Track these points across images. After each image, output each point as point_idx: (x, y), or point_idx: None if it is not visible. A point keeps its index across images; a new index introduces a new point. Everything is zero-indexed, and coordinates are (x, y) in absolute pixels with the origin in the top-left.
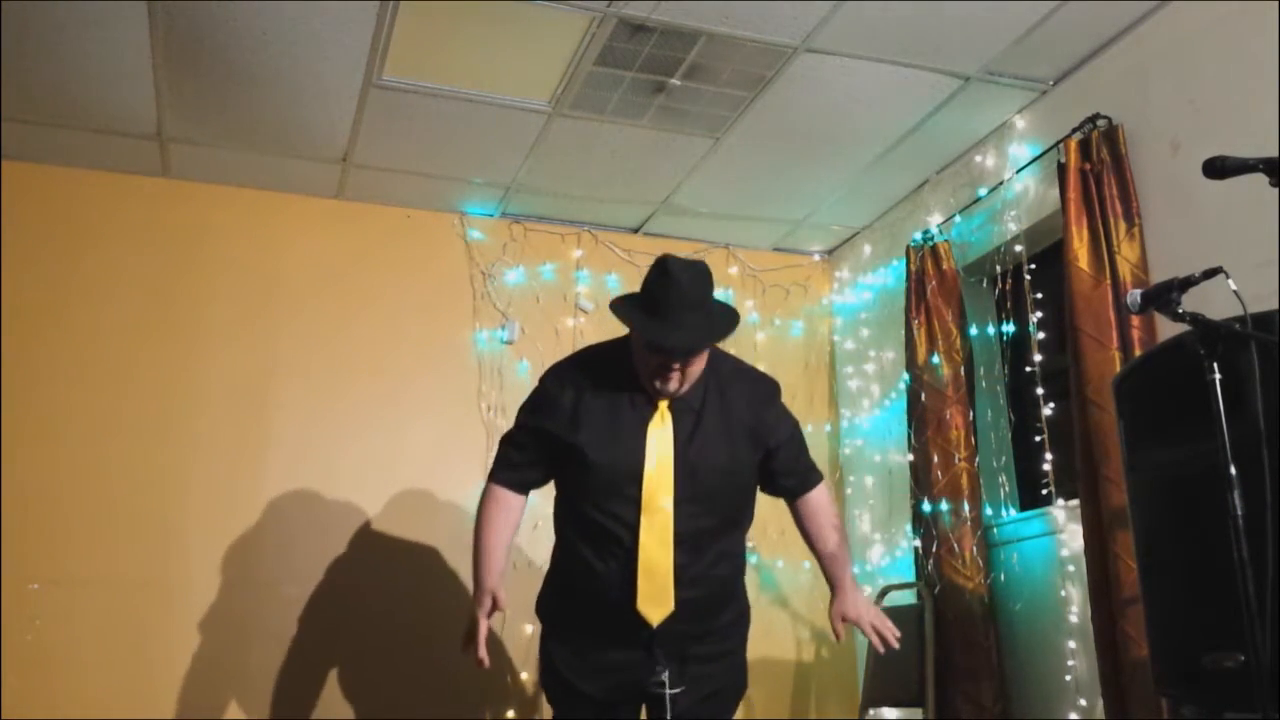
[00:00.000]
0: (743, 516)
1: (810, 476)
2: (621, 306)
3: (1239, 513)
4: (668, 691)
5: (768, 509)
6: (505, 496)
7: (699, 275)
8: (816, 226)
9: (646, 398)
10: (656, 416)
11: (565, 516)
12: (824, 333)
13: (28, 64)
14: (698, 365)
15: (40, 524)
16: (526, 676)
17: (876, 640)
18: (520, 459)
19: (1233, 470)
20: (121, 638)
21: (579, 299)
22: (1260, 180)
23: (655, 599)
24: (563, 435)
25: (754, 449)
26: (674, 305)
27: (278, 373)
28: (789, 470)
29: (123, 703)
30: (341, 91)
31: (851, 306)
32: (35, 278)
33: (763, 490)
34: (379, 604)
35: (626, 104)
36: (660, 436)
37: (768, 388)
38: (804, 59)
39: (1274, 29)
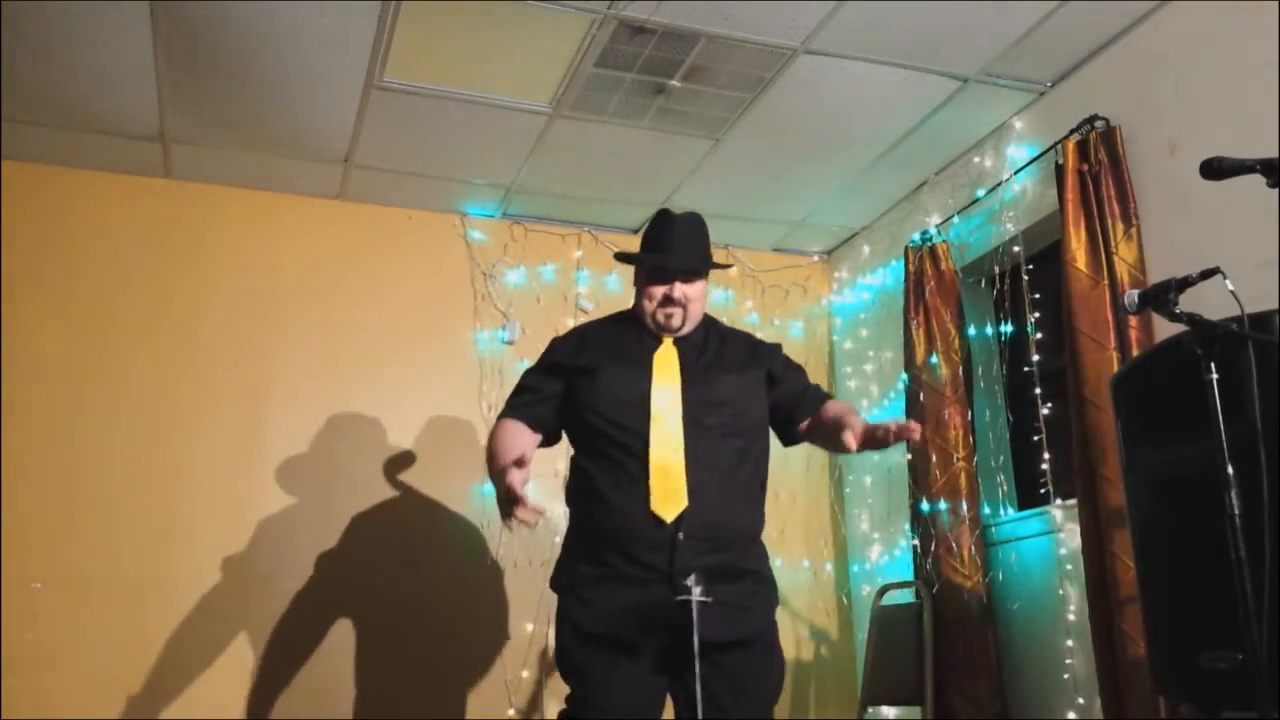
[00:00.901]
0: (752, 451)
1: (822, 394)
2: (626, 253)
3: (1236, 512)
4: (695, 597)
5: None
6: (513, 423)
7: (695, 218)
8: (816, 227)
9: (651, 335)
10: (661, 348)
11: (578, 455)
12: (823, 333)
13: (28, 64)
14: (697, 304)
15: (41, 523)
16: (527, 675)
17: (902, 433)
18: (526, 398)
19: (1230, 470)
20: (122, 637)
21: (579, 299)
22: (1258, 181)
23: (668, 495)
24: (570, 361)
25: (757, 377)
26: (674, 239)
27: (278, 373)
28: (798, 392)
29: (122, 702)
30: (343, 92)
31: (850, 307)
32: (36, 278)
33: (785, 432)
34: (379, 603)
35: (627, 105)
36: (664, 359)
37: (766, 343)
38: (803, 60)
39: (1272, 30)
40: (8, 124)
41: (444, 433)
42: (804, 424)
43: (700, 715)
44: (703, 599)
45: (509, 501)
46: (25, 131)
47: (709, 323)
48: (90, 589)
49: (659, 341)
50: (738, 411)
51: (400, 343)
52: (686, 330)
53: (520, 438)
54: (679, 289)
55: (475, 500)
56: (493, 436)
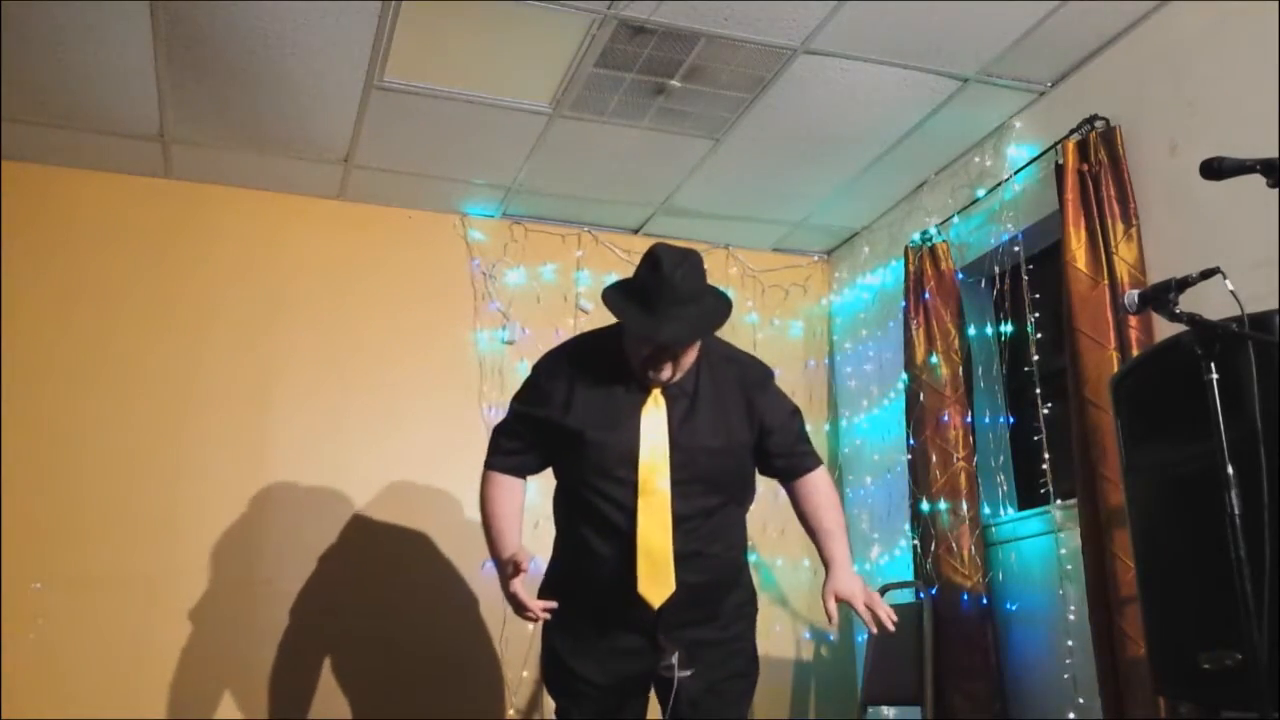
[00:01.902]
0: (741, 497)
1: (808, 460)
2: (614, 297)
3: (1236, 512)
4: (677, 675)
5: (767, 509)
6: (503, 479)
7: (691, 268)
8: (815, 227)
9: (639, 384)
10: (650, 401)
11: (563, 504)
12: (823, 333)
13: (28, 64)
14: (690, 355)
15: (41, 524)
16: (527, 675)
17: (870, 620)
18: (513, 446)
19: (1230, 470)
20: (122, 638)
21: (579, 299)
22: (1257, 181)
23: (656, 581)
24: (556, 420)
25: (749, 429)
26: (666, 299)
27: (279, 373)
28: (785, 452)
29: (123, 703)
30: (343, 93)
31: (850, 307)
32: (36, 278)
33: (762, 473)
34: (380, 604)
35: (627, 105)
36: (654, 419)
37: (760, 371)
38: (803, 60)
39: (1272, 30)
40: (8, 124)
41: (444, 432)
42: (784, 487)
43: None
44: (684, 674)
45: (518, 608)
46: (25, 131)
47: (701, 358)
48: (90, 589)
49: (646, 393)
50: (726, 471)
51: (400, 343)
52: (677, 378)
53: (510, 502)
54: (668, 354)
55: (476, 499)
56: (485, 498)
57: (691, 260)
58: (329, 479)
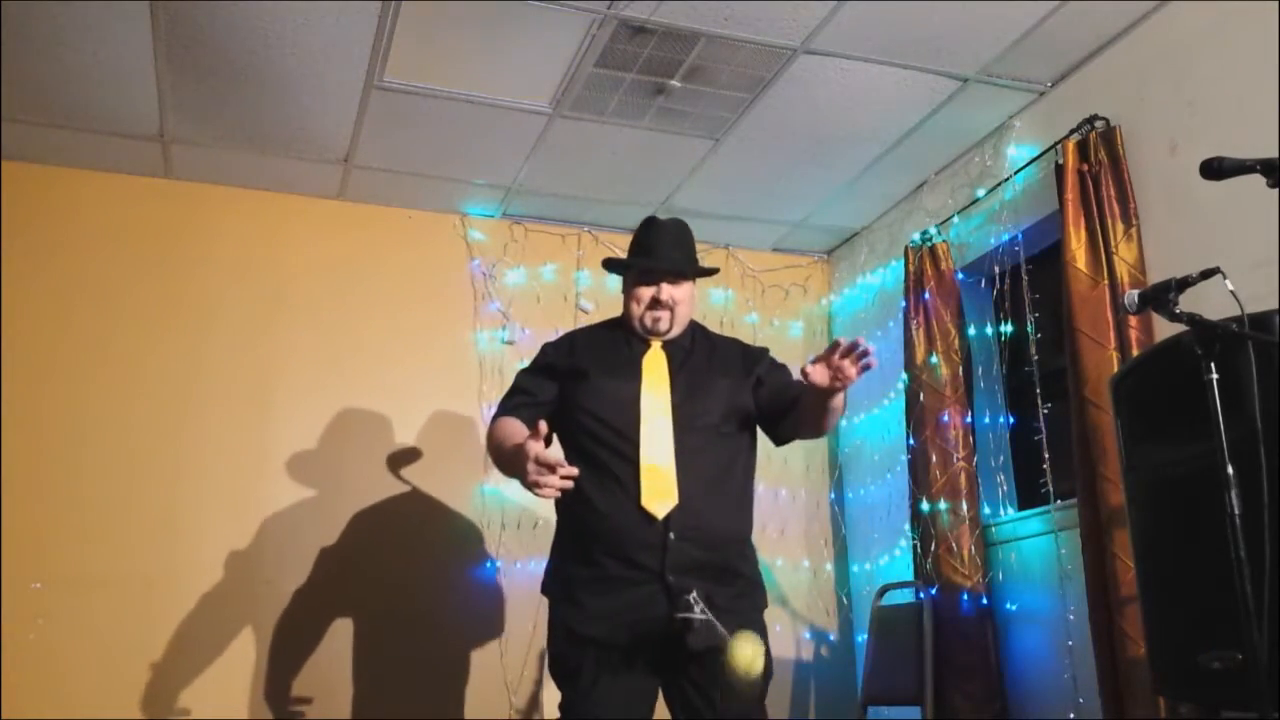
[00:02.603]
0: (741, 451)
1: (802, 385)
2: (614, 260)
3: (1236, 512)
4: (697, 615)
5: (768, 509)
6: (510, 418)
7: (680, 223)
8: (815, 227)
9: (641, 343)
10: (650, 351)
11: (570, 453)
12: (823, 333)
13: (28, 64)
14: (684, 307)
15: (41, 523)
16: (527, 675)
17: (848, 362)
18: (520, 399)
19: (1230, 470)
20: (123, 637)
21: (579, 299)
22: (1257, 181)
23: (658, 492)
24: (563, 364)
25: (745, 375)
26: (660, 243)
27: (279, 373)
28: (784, 386)
29: (123, 703)
30: (343, 93)
31: (850, 307)
32: (36, 279)
33: (774, 431)
34: (381, 604)
35: (627, 105)
36: (654, 363)
37: (756, 348)
38: (803, 60)
39: (1272, 30)
40: (8, 124)
41: (444, 432)
42: (791, 415)
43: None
44: (703, 616)
45: (539, 467)
46: (25, 131)
47: (697, 328)
48: (91, 589)
49: (647, 345)
50: (726, 414)
51: (400, 343)
52: (674, 334)
53: (519, 427)
54: (666, 291)
55: (476, 500)
56: (493, 432)
57: (681, 222)
58: (329, 479)
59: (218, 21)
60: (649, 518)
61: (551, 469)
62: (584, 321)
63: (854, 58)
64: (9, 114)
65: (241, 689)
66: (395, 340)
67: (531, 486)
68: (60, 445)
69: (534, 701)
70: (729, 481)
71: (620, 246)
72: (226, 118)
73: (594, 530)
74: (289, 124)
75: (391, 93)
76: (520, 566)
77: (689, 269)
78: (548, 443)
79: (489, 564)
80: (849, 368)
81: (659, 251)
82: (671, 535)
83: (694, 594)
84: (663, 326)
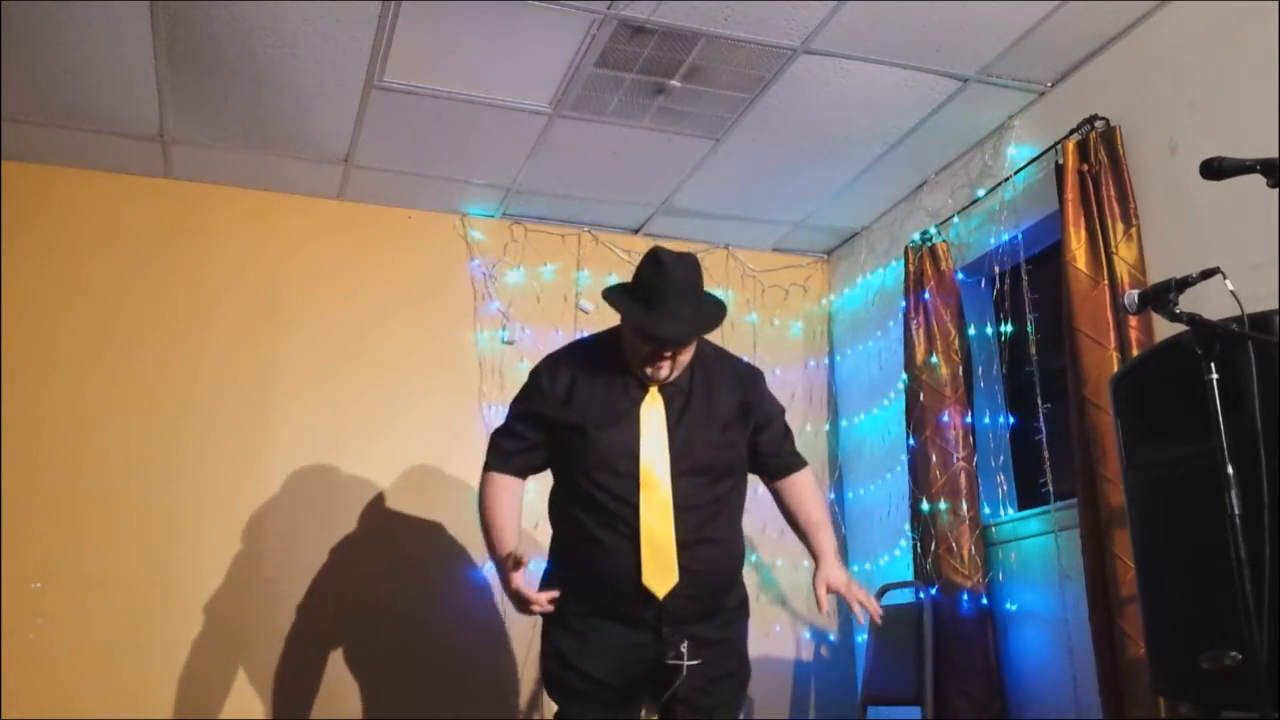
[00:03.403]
0: (737, 490)
1: (795, 460)
2: (615, 296)
3: (1236, 512)
4: (685, 662)
5: (768, 510)
6: (503, 479)
7: (690, 268)
8: (816, 227)
9: (637, 382)
10: (647, 398)
11: (562, 502)
12: (823, 333)
13: (28, 64)
14: (687, 354)
15: (41, 523)
16: (527, 675)
17: (859, 610)
18: (511, 446)
19: (1230, 470)
20: (122, 637)
21: (579, 299)
22: (1257, 181)
23: (660, 571)
24: (555, 416)
25: (742, 425)
26: (667, 296)
27: (279, 373)
28: (774, 450)
29: (123, 703)
30: (343, 93)
31: (850, 307)
32: (36, 278)
33: (752, 470)
34: (381, 604)
35: (627, 105)
36: (653, 414)
37: (751, 370)
38: (803, 60)
39: (1272, 30)
40: (8, 124)
41: (444, 432)
42: (769, 484)
43: None
44: (693, 661)
45: (520, 603)
46: (25, 131)
47: (695, 355)
48: (90, 589)
49: (644, 390)
50: (723, 463)
51: (400, 343)
52: (674, 377)
53: (510, 503)
54: (669, 351)
55: (476, 499)
56: (484, 498)
57: (690, 261)
58: (329, 479)
59: (218, 21)
60: (649, 593)
61: (527, 603)
62: (584, 321)
63: (854, 58)
64: (9, 114)
65: (241, 689)
66: (395, 340)
67: (515, 608)
68: (60, 445)
69: (534, 701)
70: (723, 527)
71: (620, 246)
72: (226, 118)
73: (592, 584)
74: (289, 124)
75: (391, 93)
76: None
77: (695, 334)
78: (542, 464)
79: (489, 564)
80: (852, 603)
81: (665, 312)
82: (667, 600)
83: (684, 645)
84: (662, 375)
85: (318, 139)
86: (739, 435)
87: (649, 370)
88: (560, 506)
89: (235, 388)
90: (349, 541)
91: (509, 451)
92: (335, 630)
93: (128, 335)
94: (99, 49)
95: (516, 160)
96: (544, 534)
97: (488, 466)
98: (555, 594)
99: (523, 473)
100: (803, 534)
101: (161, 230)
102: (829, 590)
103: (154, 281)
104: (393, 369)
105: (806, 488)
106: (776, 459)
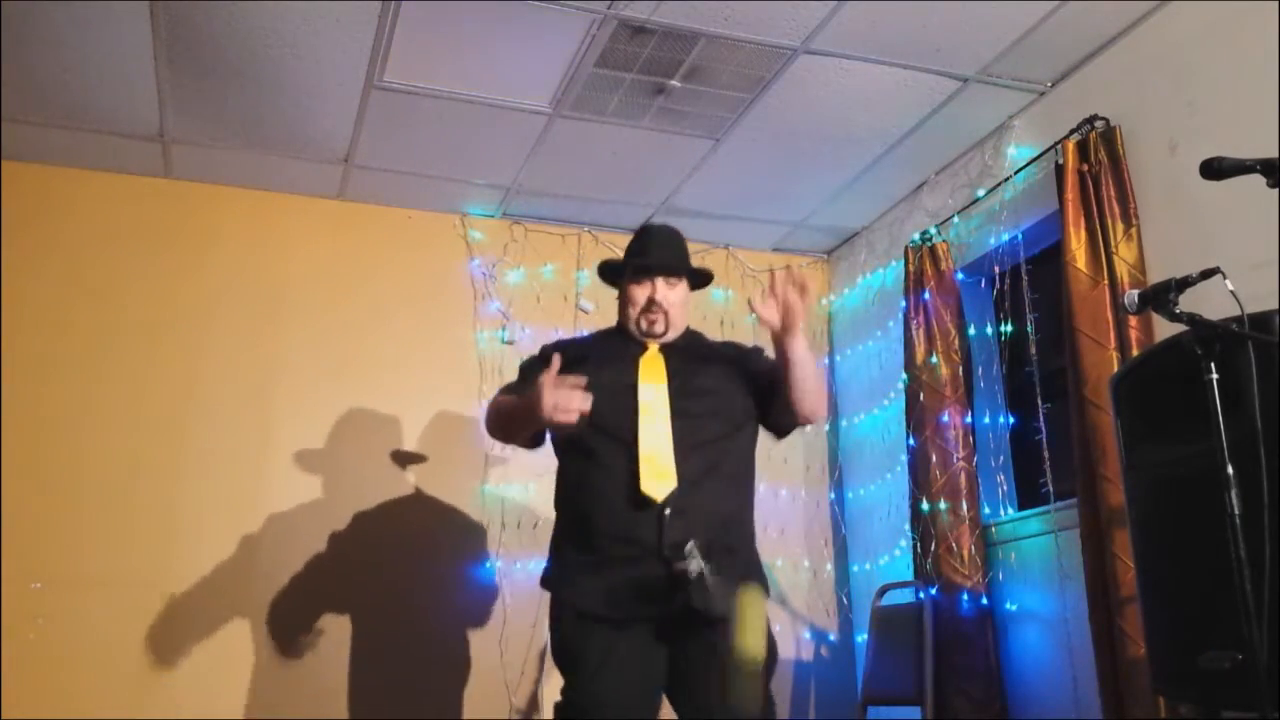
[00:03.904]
0: (737, 436)
1: None
2: (610, 263)
3: (1236, 512)
4: (692, 566)
5: (768, 509)
6: (510, 396)
7: (672, 229)
8: (816, 227)
9: (637, 343)
10: (647, 353)
11: (565, 457)
12: (823, 333)
13: (28, 64)
14: (679, 308)
15: (41, 524)
16: (527, 675)
17: (787, 293)
18: (518, 387)
19: (1230, 470)
20: (122, 638)
21: (579, 299)
22: (1258, 181)
23: (656, 476)
24: (560, 360)
25: (742, 370)
26: (653, 245)
27: (279, 373)
28: (771, 369)
29: (123, 703)
30: (343, 93)
31: (850, 307)
32: (36, 278)
33: (775, 425)
34: (380, 604)
35: (627, 105)
36: (651, 362)
37: (749, 346)
38: (803, 60)
39: (1272, 30)
40: (8, 124)
41: (444, 432)
42: (780, 397)
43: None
44: (701, 566)
45: (556, 382)
46: (25, 131)
47: (694, 334)
48: (91, 588)
49: (644, 348)
50: (722, 401)
51: (400, 343)
52: (670, 337)
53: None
54: (660, 291)
55: (476, 499)
56: (492, 407)
57: (674, 229)
58: (329, 479)
59: (218, 21)
60: (647, 500)
61: (558, 396)
62: (584, 321)
63: (854, 58)
64: (9, 114)
65: (241, 689)
66: (395, 340)
67: (552, 412)
68: (60, 445)
69: (534, 701)
70: (726, 469)
71: (620, 246)
72: (226, 118)
73: (593, 517)
74: (289, 124)
75: (391, 93)
76: (520, 566)
77: (682, 267)
78: (540, 442)
79: (489, 563)
80: (794, 297)
81: (652, 253)
82: (668, 512)
83: (691, 544)
84: (658, 328)
85: (318, 139)
86: (742, 382)
87: (645, 323)
88: (563, 467)
89: (235, 388)
90: (349, 541)
91: (513, 389)
92: (335, 629)
93: (128, 335)
94: (99, 49)
95: (516, 160)
96: (543, 534)
97: (493, 400)
98: (582, 380)
99: None
100: (783, 371)
101: (161, 230)
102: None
103: (154, 281)
104: (393, 369)
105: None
106: (776, 372)
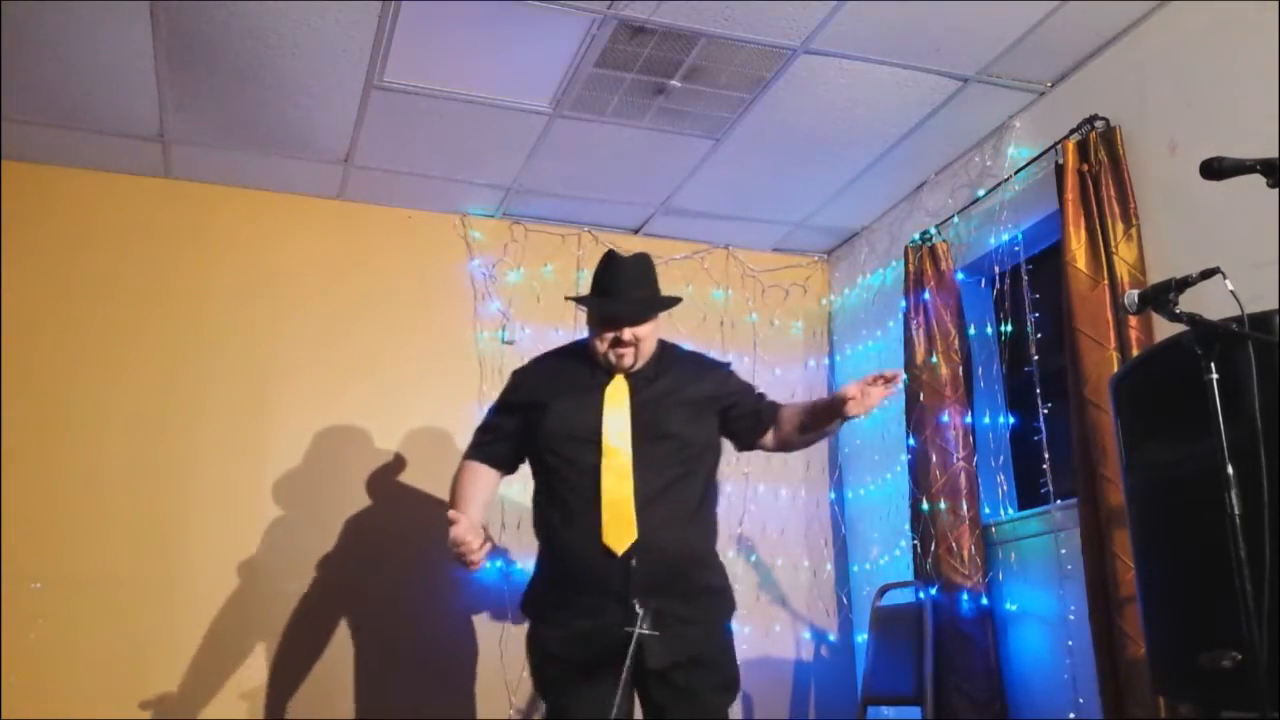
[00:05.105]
0: (704, 465)
1: (774, 404)
2: (578, 297)
3: (1236, 512)
4: (640, 629)
5: (768, 509)
6: (471, 464)
7: (641, 260)
8: (816, 227)
9: (604, 371)
10: (613, 382)
11: (538, 488)
12: (823, 333)
13: (28, 64)
14: (648, 341)
15: (40, 524)
16: (527, 675)
17: (885, 388)
18: (486, 438)
19: (1230, 470)
20: (121, 638)
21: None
22: (1257, 181)
23: (618, 528)
24: (526, 400)
25: (710, 403)
26: (620, 285)
27: (278, 373)
28: (753, 407)
29: (123, 703)
30: (343, 92)
31: (850, 307)
32: (35, 278)
33: (741, 445)
34: (379, 604)
35: (627, 105)
36: (616, 393)
37: (717, 361)
38: (803, 60)
39: (1272, 30)
40: (8, 124)
41: (444, 433)
42: (767, 436)
43: None
44: (647, 631)
45: (455, 550)
46: (25, 131)
47: (663, 351)
48: (90, 589)
49: (610, 376)
50: (685, 441)
51: (400, 343)
52: (639, 366)
53: (476, 482)
54: (628, 332)
55: None
56: (454, 480)
57: (642, 256)
58: (329, 479)
59: (218, 21)
60: (609, 552)
61: (462, 549)
62: (584, 321)
63: (854, 58)
64: (9, 114)
65: (241, 689)
66: (395, 340)
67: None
68: (60, 445)
69: (534, 702)
70: (688, 506)
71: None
72: (226, 118)
73: (561, 560)
74: (289, 124)
75: (391, 93)
76: (520, 566)
77: (648, 312)
78: (513, 471)
79: (489, 564)
80: (877, 394)
81: (620, 293)
82: (633, 562)
83: (642, 613)
84: (626, 363)
85: (318, 139)
86: (708, 416)
87: (613, 359)
88: (536, 499)
89: (235, 387)
90: (348, 541)
91: (481, 443)
92: (335, 630)
93: (128, 335)
94: (99, 49)
95: (516, 160)
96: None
97: (464, 456)
98: (485, 543)
99: (493, 461)
100: (811, 413)
101: (161, 230)
102: (851, 393)
103: (154, 281)
104: (392, 369)
105: (790, 405)
106: (758, 412)
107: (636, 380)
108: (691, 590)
